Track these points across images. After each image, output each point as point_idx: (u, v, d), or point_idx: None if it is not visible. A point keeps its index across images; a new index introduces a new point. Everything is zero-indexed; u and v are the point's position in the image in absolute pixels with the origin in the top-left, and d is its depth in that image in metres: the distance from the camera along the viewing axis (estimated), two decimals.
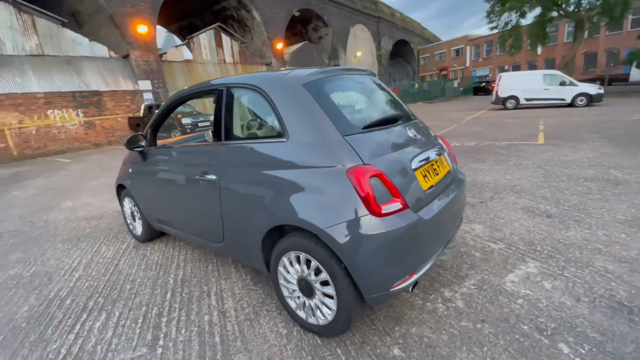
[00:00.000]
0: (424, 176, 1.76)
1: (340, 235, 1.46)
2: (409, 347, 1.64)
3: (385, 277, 1.49)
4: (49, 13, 12.14)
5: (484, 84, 30.21)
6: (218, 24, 18.31)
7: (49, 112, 11.97)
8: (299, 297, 1.80)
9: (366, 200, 1.45)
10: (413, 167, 1.70)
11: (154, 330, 1.95)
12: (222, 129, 2.06)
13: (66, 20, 12.74)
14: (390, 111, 2.15)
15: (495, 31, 20.10)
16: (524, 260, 2.35)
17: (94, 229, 3.75)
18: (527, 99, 13.92)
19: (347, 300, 1.56)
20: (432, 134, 2.24)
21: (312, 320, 1.75)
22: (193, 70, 17.00)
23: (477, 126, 9.81)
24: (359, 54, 32.39)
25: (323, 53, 29.09)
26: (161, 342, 1.84)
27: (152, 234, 3.16)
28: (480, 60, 39.98)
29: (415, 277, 1.57)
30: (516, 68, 34.73)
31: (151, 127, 2.69)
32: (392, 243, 1.45)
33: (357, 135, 1.65)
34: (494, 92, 14.95)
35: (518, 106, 14.17)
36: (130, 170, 3.01)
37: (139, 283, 2.49)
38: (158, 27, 17.35)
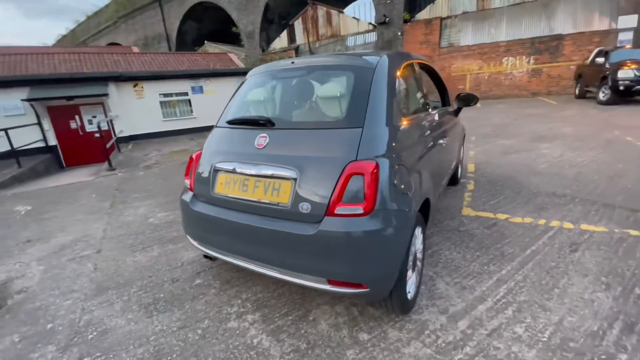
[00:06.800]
0: (228, 182, 1.84)
1: None
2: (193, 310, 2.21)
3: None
4: None
5: None
6: None
7: (503, 59, 13.37)
8: None
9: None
10: (216, 168, 1.90)
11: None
12: None
13: None
14: (278, 114, 2.11)
15: None
16: None
17: None
18: None
19: None
20: (333, 158, 1.58)
21: None
22: None
23: None
24: None
25: None
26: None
27: None
28: None
29: (197, 244, 2.04)
30: None
31: None
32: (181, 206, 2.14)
33: (222, 128, 2.11)
34: None
35: None
36: None
37: None
38: None
